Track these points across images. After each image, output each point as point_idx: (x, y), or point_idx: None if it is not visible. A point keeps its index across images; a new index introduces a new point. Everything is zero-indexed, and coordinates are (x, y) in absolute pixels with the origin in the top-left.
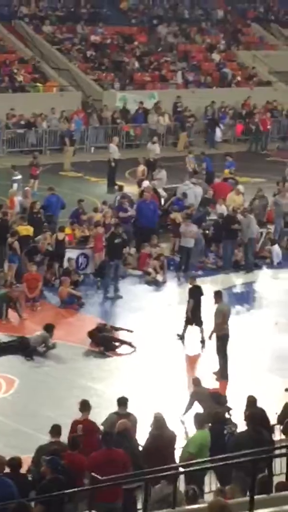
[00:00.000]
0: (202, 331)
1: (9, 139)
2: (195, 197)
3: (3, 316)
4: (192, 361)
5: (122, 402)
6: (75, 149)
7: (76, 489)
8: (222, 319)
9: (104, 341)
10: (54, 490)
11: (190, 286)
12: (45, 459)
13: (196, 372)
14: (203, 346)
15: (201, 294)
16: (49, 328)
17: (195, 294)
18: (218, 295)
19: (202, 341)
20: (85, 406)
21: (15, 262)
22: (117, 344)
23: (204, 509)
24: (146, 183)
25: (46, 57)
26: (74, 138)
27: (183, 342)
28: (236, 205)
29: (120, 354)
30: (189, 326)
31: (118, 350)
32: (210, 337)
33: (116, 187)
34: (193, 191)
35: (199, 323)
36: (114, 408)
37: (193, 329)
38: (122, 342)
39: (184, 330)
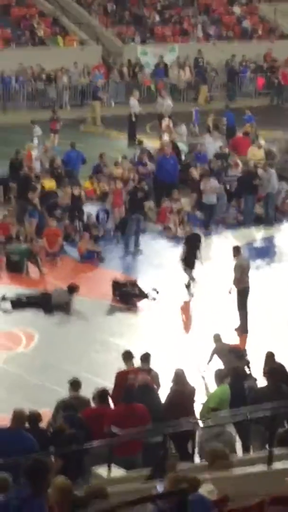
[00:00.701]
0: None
1: (29, 93)
2: (214, 151)
3: (24, 270)
4: (212, 316)
5: (145, 358)
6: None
7: (92, 444)
8: (240, 273)
9: (124, 296)
10: (71, 445)
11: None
12: (62, 414)
13: (217, 327)
14: (188, 291)
15: (198, 240)
16: (72, 290)
17: (190, 240)
18: (236, 249)
19: (187, 285)
20: (129, 355)
21: (35, 217)
22: (136, 299)
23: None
24: (165, 138)
25: (66, 11)
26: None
27: (189, 291)
28: (257, 159)
29: (139, 309)
30: (188, 270)
31: (138, 304)
32: (230, 291)
33: (136, 141)
34: (213, 146)
35: (191, 267)
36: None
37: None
38: (144, 296)
39: (190, 277)
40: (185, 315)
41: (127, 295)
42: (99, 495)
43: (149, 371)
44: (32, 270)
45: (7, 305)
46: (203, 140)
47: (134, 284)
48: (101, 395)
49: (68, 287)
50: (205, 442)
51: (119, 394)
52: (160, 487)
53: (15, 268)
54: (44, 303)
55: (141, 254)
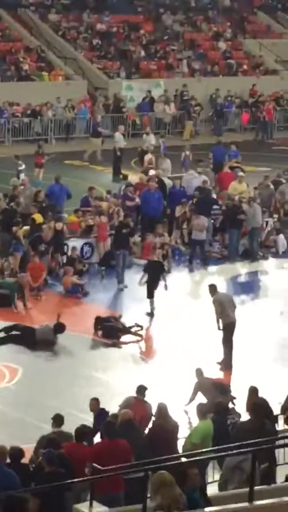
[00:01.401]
0: (151, 303)
1: (14, 128)
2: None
3: (15, 305)
4: (197, 350)
5: (141, 390)
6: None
7: (73, 480)
8: (220, 308)
9: (107, 331)
10: (51, 483)
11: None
12: (41, 452)
13: (200, 362)
14: (151, 318)
15: (160, 269)
16: (59, 330)
17: (151, 268)
18: (211, 288)
19: (150, 314)
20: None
21: (19, 251)
22: (120, 334)
23: None
24: (151, 172)
25: (51, 46)
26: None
27: (151, 318)
28: (237, 193)
29: (124, 343)
30: (151, 300)
31: (122, 340)
32: (219, 327)
33: (121, 176)
34: (198, 181)
35: (151, 296)
36: (118, 398)
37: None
38: (127, 331)
39: (151, 307)
40: (170, 350)
41: (110, 330)
42: None
43: (145, 402)
44: (18, 305)
45: None
46: (188, 175)
47: (117, 319)
48: (77, 434)
49: (55, 326)
50: (225, 469)
51: None
52: None
53: (4, 303)
54: (27, 337)
55: (125, 288)
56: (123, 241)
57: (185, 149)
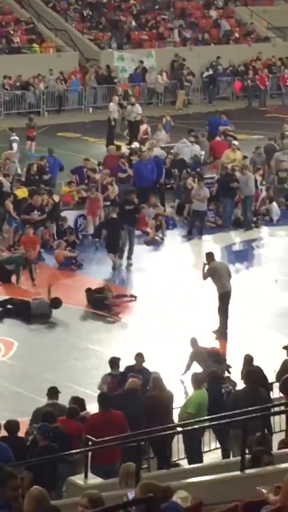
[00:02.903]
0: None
1: (6, 101)
2: (192, 155)
3: (19, 280)
4: (192, 319)
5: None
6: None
7: (65, 453)
8: (216, 275)
9: (98, 303)
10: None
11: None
12: (35, 426)
13: (196, 331)
14: (114, 271)
15: (117, 225)
16: (55, 305)
17: (110, 225)
18: (209, 256)
19: (113, 268)
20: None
21: (11, 225)
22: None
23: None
24: (135, 144)
25: (42, 18)
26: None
27: (115, 272)
28: (230, 161)
29: (116, 314)
30: (110, 255)
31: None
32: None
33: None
34: (190, 149)
35: (115, 250)
36: None
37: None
38: (118, 299)
39: (113, 262)
40: (164, 319)
41: (100, 301)
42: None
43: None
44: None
45: None
46: (180, 144)
47: (108, 289)
48: (69, 410)
49: (51, 301)
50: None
51: None
52: (130, 495)
53: (6, 277)
54: (23, 310)
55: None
56: (128, 217)
57: (165, 114)
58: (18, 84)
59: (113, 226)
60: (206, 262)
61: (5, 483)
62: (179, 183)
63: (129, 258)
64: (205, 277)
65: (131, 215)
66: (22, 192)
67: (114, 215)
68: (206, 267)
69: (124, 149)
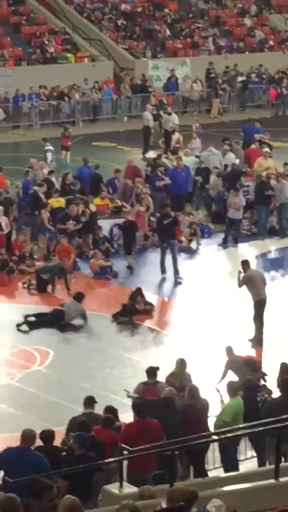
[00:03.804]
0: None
1: (41, 111)
2: (219, 163)
3: (55, 290)
4: (227, 328)
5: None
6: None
7: (100, 462)
8: (252, 283)
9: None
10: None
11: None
12: (71, 435)
13: (231, 339)
14: (131, 272)
15: (134, 229)
16: (79, 297)
17: (126, 229)
18: (245, 263)
19: (129, 267)
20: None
21: (45, 235)
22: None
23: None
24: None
25: (76, 28)
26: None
27: (131, 272)
28: (263, 169)
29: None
30: (127, 257)
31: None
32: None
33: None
34: (218, 157)
35: (128, 253)
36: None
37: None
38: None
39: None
40: (200, 328)
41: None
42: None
43: (156, 383)
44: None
45: (25, 327)
46: (206, 152)
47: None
48: (105, 420)
49: (75, 297)
50: None
51: None
52: (164, 503)
53: (43, 288)
54: (58, 320)
55: (154, 268)
56: (168, 231)
57: (194, 121)
58: (54, 94)
59: (130, 228)
60: (241, 270)
61: (42, 495)
62: (201, 191)
63: (177, 273)
64: (240, 285)
65: (170, 229)
66: (56, 202)
67: (130, 217)
68: (242, 275)
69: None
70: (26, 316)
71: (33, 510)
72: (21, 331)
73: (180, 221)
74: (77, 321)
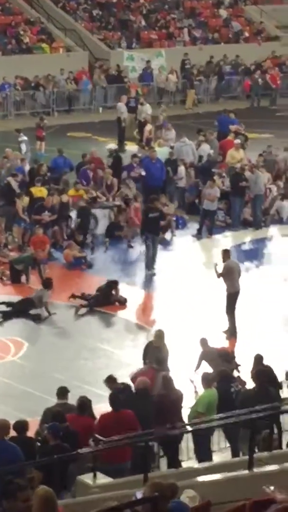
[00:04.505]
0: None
1: (17, 101)
2: (192, 154)
3: (29, 280)
4: (201, 319)
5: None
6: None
7: (74, 452)
8: (230, 275)
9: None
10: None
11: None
12: (45, 426)
13: (206, 331)
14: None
15: (89, 213)
16: (46, 284)
17: (82, 214)
18: (225, 253)
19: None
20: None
21: (20, 225)
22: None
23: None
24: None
25: (52, 18)
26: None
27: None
28: (235, 161)
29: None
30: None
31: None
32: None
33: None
34: (191, 148)
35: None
36: (124, 369)
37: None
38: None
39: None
40: (174, 319)
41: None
42: None
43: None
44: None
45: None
46: (179, 143)
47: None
48: (80, 405)
49: (43, 283)
50: None
51: None
52: (139, 494)
53: (17, 278)
54: (26, 308)
55: (128, 258)
56: (152, 225)
57: (160, 112)
58: (32, 84)
59: (86, 214)
60: (217, 263)
61: (15, 496)
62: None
63: (151, 267)
64: (219, 276)
65: (155, 223)
66: (39, 191)
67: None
68: (220, 265)
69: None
70: None
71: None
72: None
73: None
74: (42, 313)
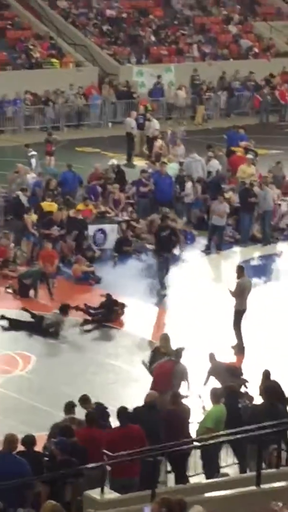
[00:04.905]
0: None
1: (26, 116)
2: (202, 170)
3: (37, 294)
4: (210, 334)
5: (178, 352)
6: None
7: (82, 467)
8: (240, 292)
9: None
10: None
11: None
12: (53, 441)
13: (214, 346)
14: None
15: (84, 226)
16: (63, 309)
17: (77, 225)
18: (240, 269)
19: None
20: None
21: (29, 239)
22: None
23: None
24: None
25: (61, 33)
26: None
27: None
28: (246, 176)
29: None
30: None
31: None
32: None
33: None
34: (200, 163)
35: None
36: (131, 384)
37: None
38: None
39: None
40: (182, 334)
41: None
42: None
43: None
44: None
45: (5, 323)
46: (189, 159)
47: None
48: (88, 419)
49: (60, 308)
50: None
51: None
52: (147, 510)
53: (26, 293)
54: (37, 325)
55: (135, 273)
56: (164, 243)
57: (168, 128)
58: (42, 99)
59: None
60: (236, 275)
61: None
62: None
63: (163, 288)
64: (234, 295)
65: (167, 241)
66: (49, 206)
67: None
68: (233, 282)
69: (143, 164)
70: (2, 316)
71: None
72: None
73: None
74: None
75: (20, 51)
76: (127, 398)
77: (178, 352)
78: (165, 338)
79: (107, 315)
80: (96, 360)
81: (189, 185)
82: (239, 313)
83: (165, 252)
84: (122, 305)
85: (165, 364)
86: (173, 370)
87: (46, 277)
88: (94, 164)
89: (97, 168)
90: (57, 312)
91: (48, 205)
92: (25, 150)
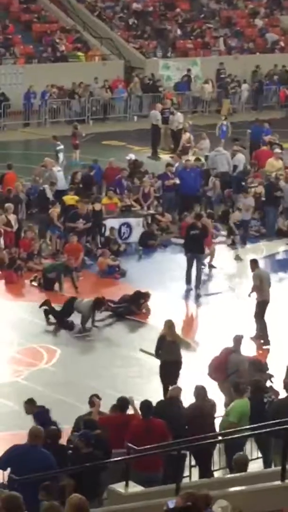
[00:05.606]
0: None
1: (52, 109)
2: (227, 163)
3: (62, 288)
4: (234, 329)
5: (237, 340)
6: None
7: (107, 461)
8: (259, 283)
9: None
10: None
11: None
12: (76, 434)
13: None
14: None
15: (101, 217)
16: (98, 304)
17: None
18: (253, 263)
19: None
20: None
21: (54, 232)
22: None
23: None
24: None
25: (87, 26)
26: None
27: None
28: (275, 170)
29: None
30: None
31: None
32: (249, 295)
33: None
34: (225, 157)
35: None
36: (155, 378)
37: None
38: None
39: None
40: (207, 328)
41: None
42: None
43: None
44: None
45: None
46: (214, 152)
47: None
48: (121, 404)
49: (95, 301)
50: None
51: None
52: (171, 503)
53: (50, 286)
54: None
55: (162, 267)
56: (194, 243)
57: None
58: (68, 92)
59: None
60: (250, 269)
61: None
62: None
63: (197, 288)
64: (254, 288)
65: (195, 240)
66: (71, 199)
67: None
68: (249, 275)
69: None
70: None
71: None
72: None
73: (188, 221)
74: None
75: (46, 44)
76: (151, 391)
77: (237, 340)
78: (169, 325)
79: (130, 308)
80: (120, 353)
81: (211, 179)
82: (261, 305)
83: (192, 251)
84: (147, 295)
85: (222, 352)
86: (227, 359)
87: (70, 270)
88: (109, 159)
89: (111, 163)
90: (91, 302)
91: (71, 199)
92: (53, 143)
